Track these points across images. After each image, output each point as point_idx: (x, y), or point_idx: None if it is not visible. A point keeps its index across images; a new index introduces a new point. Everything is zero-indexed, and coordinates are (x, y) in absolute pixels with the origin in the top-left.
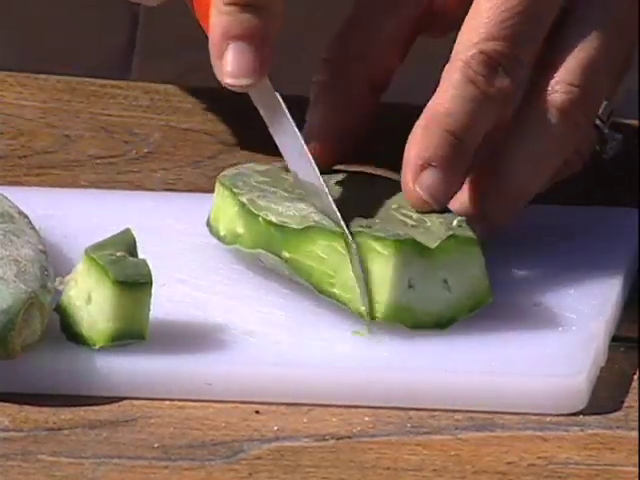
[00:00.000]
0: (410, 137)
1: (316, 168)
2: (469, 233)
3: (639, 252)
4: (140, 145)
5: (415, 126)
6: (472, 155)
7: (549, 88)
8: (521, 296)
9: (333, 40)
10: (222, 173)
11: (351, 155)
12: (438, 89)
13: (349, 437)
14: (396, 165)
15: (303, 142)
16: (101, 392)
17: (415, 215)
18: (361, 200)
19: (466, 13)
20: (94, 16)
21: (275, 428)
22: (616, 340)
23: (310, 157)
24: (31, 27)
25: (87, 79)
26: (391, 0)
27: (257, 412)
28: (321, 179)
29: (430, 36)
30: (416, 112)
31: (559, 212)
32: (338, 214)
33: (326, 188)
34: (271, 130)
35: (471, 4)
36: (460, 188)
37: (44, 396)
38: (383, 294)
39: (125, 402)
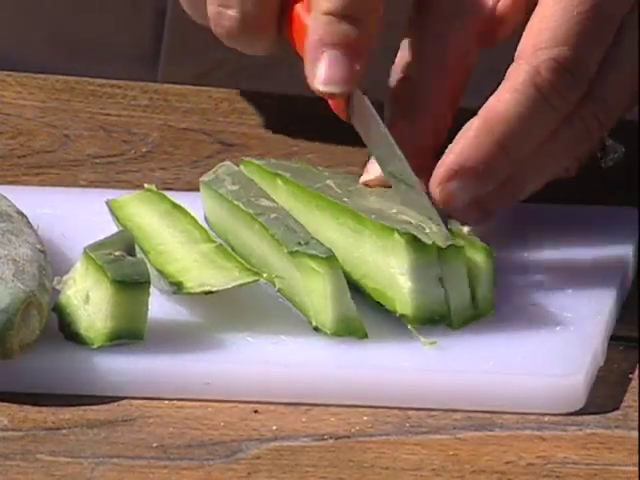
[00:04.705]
0: (461, 133)
1: (414, 175)
2: (482, 243)
3: (639, 252)
4: (139, 145)
5: (469, 123)
6: (511, 170)
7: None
8: (519, 296)
9: (404, 55)
10: (202, 178)
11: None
12: (500, 90)
13: (348, 437)
14: None
15: (401, 154)
16: (99, 391)
17: (414, 221)
18: (358, 200)
19: (524, 22)
20: (120, 11)
21: (274, 428)
22: (615, 340)
23: (410, 169)
24: (57, 23)
25: (86, 79)
26: (458, 13)
27: (256, 412)
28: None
29: (486, 46)
30: None
31: (559, 212)
32: (436, 214)
33: (426, 196)
34: (367, 144)
35: (529, 13)
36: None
37: (43, 396)
38: (327, 311)
39: (124, 402)
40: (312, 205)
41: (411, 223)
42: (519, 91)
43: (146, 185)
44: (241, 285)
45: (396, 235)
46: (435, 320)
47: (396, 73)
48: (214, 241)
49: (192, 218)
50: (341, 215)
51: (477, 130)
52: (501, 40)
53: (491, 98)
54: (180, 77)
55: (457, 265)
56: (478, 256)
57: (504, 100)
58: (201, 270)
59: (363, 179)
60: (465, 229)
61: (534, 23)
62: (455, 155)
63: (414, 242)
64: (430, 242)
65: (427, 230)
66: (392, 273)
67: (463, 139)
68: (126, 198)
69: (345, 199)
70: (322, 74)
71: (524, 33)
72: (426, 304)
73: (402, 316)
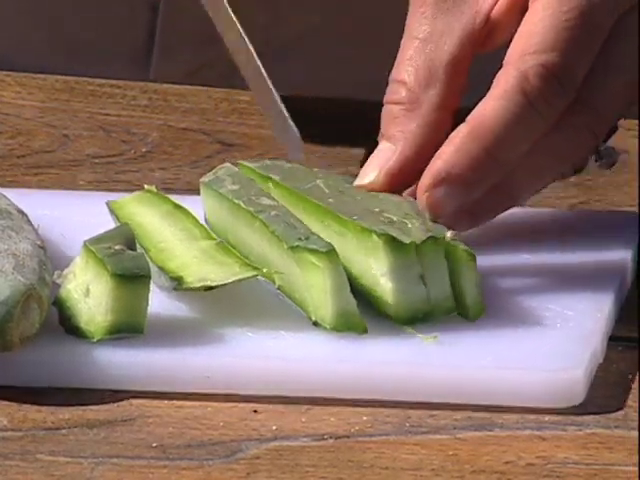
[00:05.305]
0: (448, 140)
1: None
2: (466, 247)
3: (638, 253)
4: (138, 145)
5: (457, 130)
6: (499, 176)
7: (573, 106)
8: (520, 294)
9: (402, 61)
10: (202, 179)
11: None
12: (488, 97)
13: (347, 436)
14: None
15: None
16: (99, 385)
17: (396, 218)
18: (345, 200)
19: (517, 24)
20: (113, 10)
21: (273, 427)
22: (615, 340)
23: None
24: (51, 22)
25: (86, 79)
26: (453, 20)
27: (255, 411)
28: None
29: (481, 51)
30: None
31: (559, 213)
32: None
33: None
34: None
35: (520, 14)
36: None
37: (42, 395)
38: (327, 306)
39: (124, 402)
40: (300, 207)
41: (393, 221)
42: (506, 97)
43: (146, 186)
44: (241, 280)
45: (374, 237)
46: (419, 318)
47: (396, 79)
48: (214, 238)
49: (193, 217)
50: (325, 217)
51: (464, 137)
52: (496, 47)
53: (479, 105)
54: (172, 75)
55: (436, 257)
56: (461, 261)
57: (491, 107)
58: (201, 266)
59: (357, 182)
60: (448, 234)
61: (523, 29)
62: (442, 162)
63: (392, 243)
64: (408, 241)
65: (409, 225)
66: (374, 274)
67: (450, 146)
68: (126, 199)
69: (330, 200)
70: None
71: (513, 39)
72: (408, 303)
73: (388, 315)
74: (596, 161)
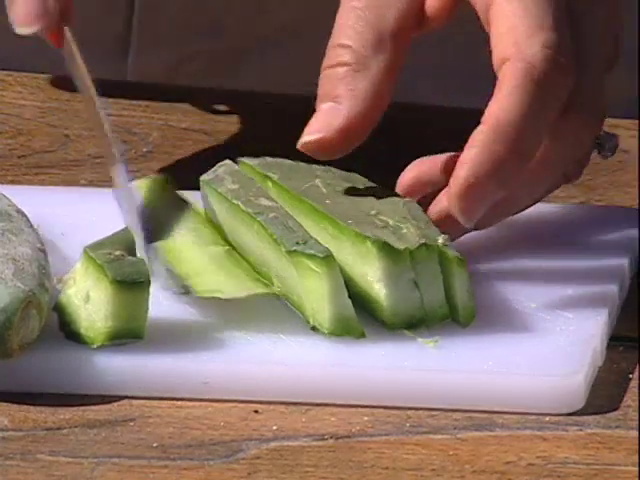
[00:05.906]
0: (470, 144)
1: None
2: (457, 253)
3: (639, 252)
4: (139, 144)
5: (475, 134)
6: (522, 172)
7: (564, 115)
8: (519, 296)
9: (342, 28)
10: (202, 177)
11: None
12: (498, 95)
13: (348, 437)
14: (389, 164)
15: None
16: (99, 391)
17: (392, 222)
18: (342, 201)
19: (449, 18)
20: (91, 2)
21: (274, 428)
22: (615, 340)
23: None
24: None
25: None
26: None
27: (256, 412)
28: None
29: (419, 32)
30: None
31: (559, 212)
32: None
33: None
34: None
35: (454, 9)
36: None
37: (43, 395)
38: (325, 310)
39: (124, 402)
40: (297, 209)
41: (389, 224)
42: (519, 91)
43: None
44: (255, 295)
45: (368, 243)
46: (413, 324)
47: (339, 43)
48: (222, 243)
49: (201, 216)
50: (321, 220)
51: (485, 138)
52: (429, 32)
53: (491, 105)
54: (150, 69)
55: (430, 263)
56: (452, 267)
57: (506, 103)
58: (211, 275)
59: (302, 140)
60: (440, 240)
61: (500, 27)
62: (468, 167)
63: (386, 250)
64: (402, 247)
65: (404, 230)
66: (368, 280)
67: (472, 149)
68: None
69: (327, 201)
70: (15, 17)
71: (494, 41)
72: (403, 309)
73: (383, 321)
74: (599, 152)
